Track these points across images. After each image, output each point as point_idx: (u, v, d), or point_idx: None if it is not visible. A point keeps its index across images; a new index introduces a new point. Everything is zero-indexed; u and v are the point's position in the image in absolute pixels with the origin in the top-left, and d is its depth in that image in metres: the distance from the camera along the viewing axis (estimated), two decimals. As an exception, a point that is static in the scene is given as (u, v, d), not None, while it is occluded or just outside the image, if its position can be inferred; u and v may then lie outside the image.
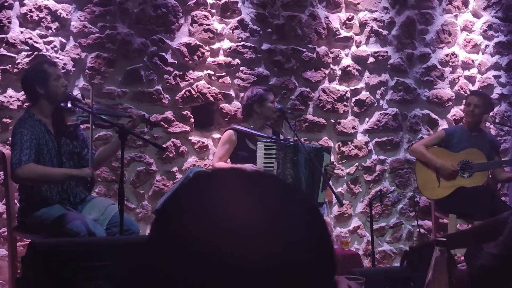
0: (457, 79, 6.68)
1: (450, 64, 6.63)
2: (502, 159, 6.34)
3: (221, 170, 0.86)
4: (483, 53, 6.82)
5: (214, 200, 0.79)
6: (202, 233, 0.76)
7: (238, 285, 0.74)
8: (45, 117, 4.37)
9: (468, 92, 6.57)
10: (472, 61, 6.76)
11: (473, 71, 6.78)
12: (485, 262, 2.48)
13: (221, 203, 0.79)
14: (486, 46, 6.82)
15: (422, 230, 6.40)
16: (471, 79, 6.76)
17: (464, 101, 6.17)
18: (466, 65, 6.73)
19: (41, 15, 5.05)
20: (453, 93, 6.65)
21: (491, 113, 6.38)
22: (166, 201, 0.83)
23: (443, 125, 6.58)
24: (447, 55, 6.61)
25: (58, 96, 4.35)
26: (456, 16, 6.66)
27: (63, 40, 5.15)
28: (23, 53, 5.00)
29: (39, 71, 4.35)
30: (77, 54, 5.17)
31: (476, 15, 6.77)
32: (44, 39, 5.08)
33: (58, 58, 5.06)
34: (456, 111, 6.64)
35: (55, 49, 5.11)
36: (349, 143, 6.22)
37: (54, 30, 5.10)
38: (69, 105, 4.36)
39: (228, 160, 5.31)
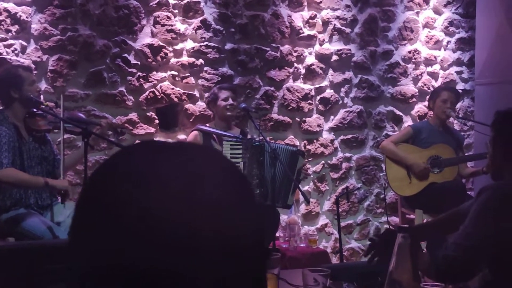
0: (420, 75, 6.74)
1: (413, 60, 6.68)
2: (466, 154, 6.40)
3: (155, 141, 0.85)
4: (445, 49, 6.88)
5: (151, 167, 0.78)
6: (136, 198, 0.75)
7: (165, 251, 0.73)
8: (18, 120, 4.37)
9: (431, 88, 6.62)
10: (435, 57, 6.82)
11: (436, 67, 6.84)
12: (449, 252, 2.51)
13: (159, 171, 0.77)
14: (448, 42, 6.89)
15: (390, 227, 6.42)
16: (434, 75, 6.82)
17: (429, 97, 6.16)
18: (428, 62, 6.79)
19: (1, 18, 4.98)
20: (416, 89, 6.70)
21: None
22: (101, 166, 0.81)
23: (408, 121, 6.62)
24: (409, 52, 6.66)
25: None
26: (417, 13, 6.72)
27: (24, 43, 5.09)
28: (-17, 56, 4.93)
29: (14, 75, 4.34)
30: (39, 57, 5.11)
31: (437, 11, 6.84)
32: (4, 42, 5.02)
33: (19, 61, 5.00)
34: (420, 107, 6.70)
35: (16, 52, 5.05)
36: (315, 141, 6.24)
37: (14, 33, 5.04)
38: (38, 110, 4.36)
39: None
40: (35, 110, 4.38)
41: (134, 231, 0.73)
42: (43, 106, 4.37)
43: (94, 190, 0.79)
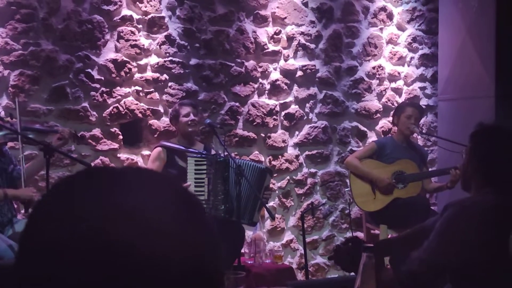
0: (384, 91, 6.78)
1: (377, 76, 6.72)
2: (430, 169, 6.44)
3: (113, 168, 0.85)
4: (408, 65, 6.94)
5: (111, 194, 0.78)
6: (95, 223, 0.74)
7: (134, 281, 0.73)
8: None
9: (395, 103, 6.66)
10: (398, 73, 6.87)
11: (400, 83, 6.89)
12: (413, 267, 2.51)
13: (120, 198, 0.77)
14: (411, 58, 6.95)
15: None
16: (398, 91, 6.86)
17: (393, 112, 6.20)
18: (392, 77, 6.83)
19: (-39, 32, 4.91)
20: (380, 105, 6.74)
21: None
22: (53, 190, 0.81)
23: (372, 137, 6.65)
24: (373, 68, 6.70)
25: None
26: (381, 29, 6.77)
27: (-15, 58, 5.02)
28: None
29: None
30: (0, 72, 5.04)
31: (400, 28, 6.90)
32: (-35, 57, 4.94)
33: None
34: (384, 123, 6.73)
35: (-24, 67, 4.97)
36: (280, 156, 6.23)
37: (-26, 48, 4.97)
38: None
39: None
40: None
41: (83, 252, 0.73)
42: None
43: (46, 210, 0.79)
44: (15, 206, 4.54)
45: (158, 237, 0.75)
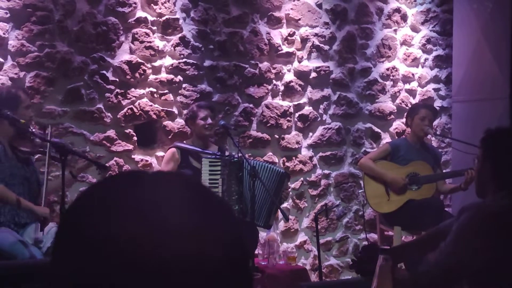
0: (398, 92, 6.77)
1: (391, 78, 6.71)
2: (444, 171, 6.43)
3: (145, 172, 0.86)
4: (422, 67, 6.93)
5: (140, 198, 0.79)
6: (123, 231, 0.76)
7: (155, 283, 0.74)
8: (3, 138, 4.37)
9: (409, 105, 6.65)
10: (412, 74, 6.86)
11: (414, 85, 6.88)
12: (430, 269, 2.51)
13: (148, 202, 0.79)
14: (426, 59, 6.94)
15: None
16: (412, 92, 6.86)
17: (407, 114, 6.18)
18: (406, 79, 6.83)
19: (-23, 34, 4.94)
20: (394, 106, 6.73)
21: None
22: (84, 194, 0.83)
23: (386, 138, 6.64)
24: (387, 69, 6.70)
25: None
26: (395, 30, 6.76)
27: (1, 60, 5.04)
28: (-41, 73, 4.89)
29: (14, 96, 4.40)
30: (16, 74, 5.07)
31: (414, 29, 6.89)
32: (-19, 59, 4.97)
33: (-5, 78, 4.96)
34: (398, 124, 6.73)
35: (-7, 68, 5.01)
36: (294, 158, 6.23)
37: (-9, 50, 5.00)
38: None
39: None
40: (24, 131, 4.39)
41: (105, 256, 0.74)
42: (30, 129, 4.38)
43: (71, 220, 0.81)
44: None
45: (175, 239, 0.76)
